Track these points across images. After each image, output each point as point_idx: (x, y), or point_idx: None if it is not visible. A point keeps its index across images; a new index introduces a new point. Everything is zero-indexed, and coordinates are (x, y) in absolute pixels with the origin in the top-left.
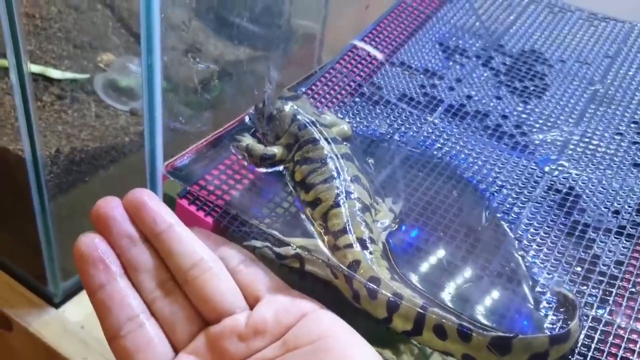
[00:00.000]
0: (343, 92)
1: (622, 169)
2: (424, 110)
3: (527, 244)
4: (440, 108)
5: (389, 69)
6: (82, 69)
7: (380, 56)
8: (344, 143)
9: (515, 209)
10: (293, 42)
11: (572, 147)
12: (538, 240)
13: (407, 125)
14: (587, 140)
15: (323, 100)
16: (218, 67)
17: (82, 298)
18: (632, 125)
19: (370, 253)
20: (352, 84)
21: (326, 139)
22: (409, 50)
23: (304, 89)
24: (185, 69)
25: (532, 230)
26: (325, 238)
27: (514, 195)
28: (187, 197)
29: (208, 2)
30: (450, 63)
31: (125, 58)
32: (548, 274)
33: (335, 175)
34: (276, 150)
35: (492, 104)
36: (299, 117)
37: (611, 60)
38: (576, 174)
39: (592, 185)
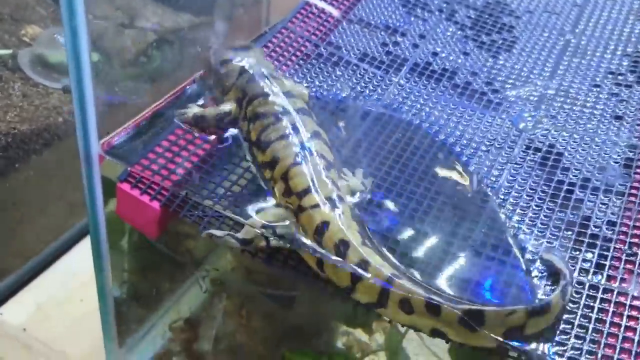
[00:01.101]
0: (298, 53)
1: (603, 123)
2: (388, 71)
3: (510, 208)
4: (405, 67)
5: (346, 26)
6: (4, 44)
7: (336, 13)
8: (300, 97)
9: (494, 172)
10: (237, 7)
11: (548, 102)
12: (521, 204)
13: (372, 88)
14: (563, 93)
15: (275, 63)
16: (157, 35)
17: (23, 297)
18: (609, 76)
19: (340, 213)
20: (307, 44)
21: (278, 93)
22: (367, 5)
23: None
24: (121, 38)
25: (514, 193)
26: (289, 200)
27: (492, 157)
28: (129, 181)
29: None
30: (412, 18)
31: (53, 30)
32: (536, 239)
33: (292, 131)
34: (230, 106)
35: (459, 61)
36: (247, 68)
37: (580, 9)
38: (555, 131)
39: (574, 142)
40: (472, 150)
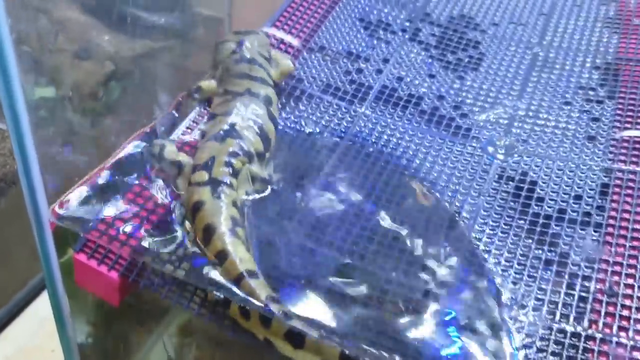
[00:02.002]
0: None
1: (576, 145)
2: (353, 101)
3: (485, 248)
4: (370, 96)
5: (307, 56)
6: None
7: (296, 42)
8: (273, 85)
9: (467, 207)
10: (196, 28)
11: (518, 124)
12: (497, 242)
13: (337, 121)
14: (533, 114)
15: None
16: (114, 65)
17: (6, 335)
18: (580, 91)
19: (218, 197)
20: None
21: (253, 77)
22: (327, 31)
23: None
24: (77, 71)
25: (488, 230)
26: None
27: (463, 190)
28: (85, 251)
29: None
30: (375, 41)
31: None
32: (514, 283)
33: (236, 111)
34: (206, 82)
35: (426, 85)
36: (238, 50)
37: (547, 18)
38: (528, 157)
39: (547, 168)
40: (443, 184)
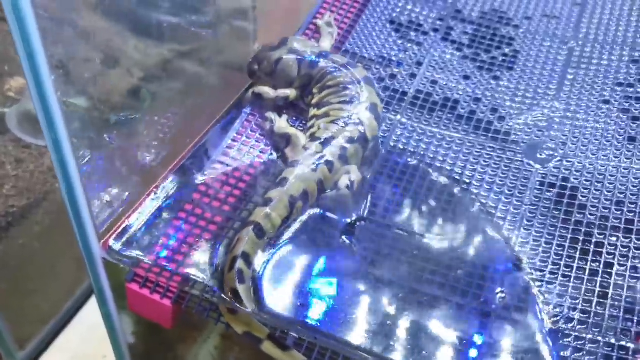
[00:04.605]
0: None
1: (616, 147)
2: (388, 109)
3: (530, 261)
4: (404, 103)
5: None
6: None
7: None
8: (359, 65)
9: (510, 217)
10: (223, 25)
11: (556, 127)
12: (541, 253)
13: None
14: (571, 115)
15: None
16: (143, 72)
17: (58, 344)
18: (617, 88)
19: (315, 170)
20: None
21: (343, 66)
22: (358, 36)
23: (248, 110)
24: (106, 80)
25: (532, 241)
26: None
27: (505, 199)
28: (137, 280)
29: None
30: (407, 44)
31: None
32: (559, 296)
33: (353, 100)
34: (289, 92)
35: (461, 87)
36: (305, 58)
37: (581, 9)
38: (568, 161)
39: (588, 173)
40: (486, 193)
